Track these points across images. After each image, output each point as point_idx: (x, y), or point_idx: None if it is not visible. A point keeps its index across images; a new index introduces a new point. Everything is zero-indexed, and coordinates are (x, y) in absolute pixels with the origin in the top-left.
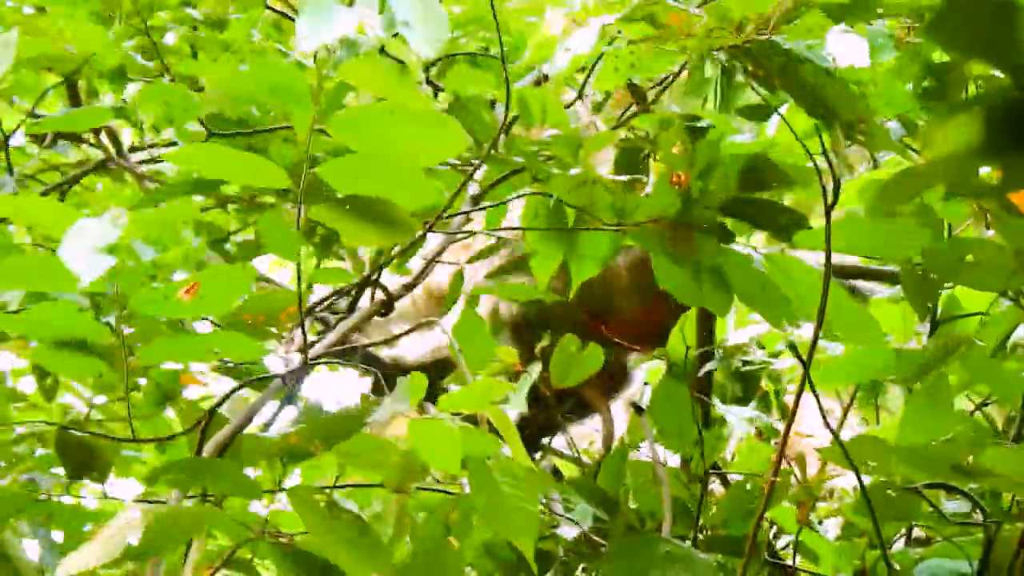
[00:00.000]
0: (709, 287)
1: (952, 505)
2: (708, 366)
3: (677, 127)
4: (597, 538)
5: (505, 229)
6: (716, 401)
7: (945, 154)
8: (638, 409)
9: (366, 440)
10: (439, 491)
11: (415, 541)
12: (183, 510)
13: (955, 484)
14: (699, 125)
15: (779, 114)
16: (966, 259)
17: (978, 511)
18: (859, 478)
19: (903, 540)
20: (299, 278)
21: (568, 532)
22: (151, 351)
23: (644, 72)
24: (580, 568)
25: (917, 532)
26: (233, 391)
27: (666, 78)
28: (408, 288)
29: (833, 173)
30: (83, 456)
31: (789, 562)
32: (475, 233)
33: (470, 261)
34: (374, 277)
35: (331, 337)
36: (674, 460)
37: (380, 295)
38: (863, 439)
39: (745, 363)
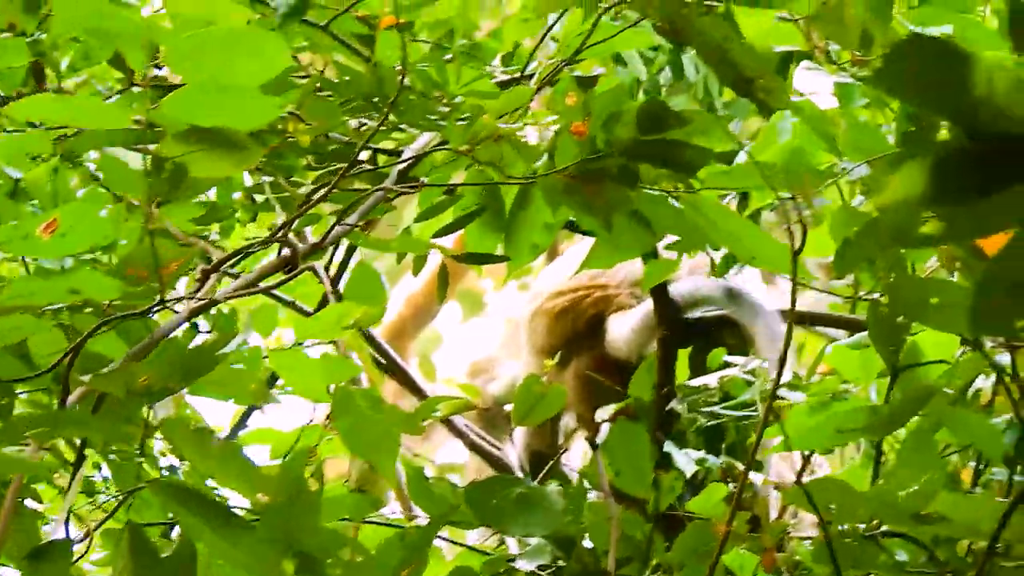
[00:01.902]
0: (629, 227)
1: (903, 554)
2: (670, 406)
3: (567, 79)
4: None
5: (432, 185)
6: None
7: (892, 203)
8: (593, 445)
9: (223, 369)
10: None
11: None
12: None
13: (910, 532)
14: (587, 76)
15: (746, 151)
16: (931, 301)
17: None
18: (822, 522)
19: None
20: (147, 217)
21: (525, 565)
22: (9, 292)
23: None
24: None
25: None
26: (92, 332)
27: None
28: (315, 247)
29: (801, 218)
30: None
31: None
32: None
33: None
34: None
35: (231, 287)
36: None
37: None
38: (827, 482)
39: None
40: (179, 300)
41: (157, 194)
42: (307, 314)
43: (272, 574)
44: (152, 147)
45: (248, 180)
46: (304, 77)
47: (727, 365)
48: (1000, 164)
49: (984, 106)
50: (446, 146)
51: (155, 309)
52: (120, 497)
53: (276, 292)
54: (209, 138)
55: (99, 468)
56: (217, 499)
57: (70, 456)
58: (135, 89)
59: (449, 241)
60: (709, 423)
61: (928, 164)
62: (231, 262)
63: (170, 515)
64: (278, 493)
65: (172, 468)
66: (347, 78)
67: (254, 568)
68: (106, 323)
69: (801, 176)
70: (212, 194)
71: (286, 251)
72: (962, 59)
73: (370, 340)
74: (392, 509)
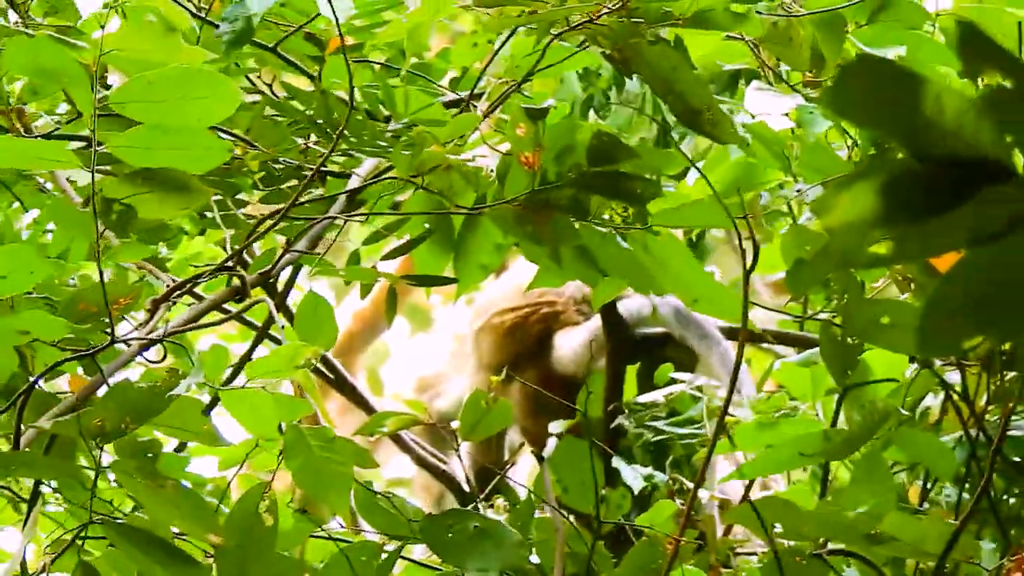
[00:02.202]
0: (575, 264)
1: (850, 573)
2: (617, 422)
3: (517, 110)
4: None
5: (377, 213)
6: (618, 459)
7: (840, 224)
8: (540, 459)
9: (181, 410)
10: None
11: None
12: None
13: (859, 551)
14: (538, 107)
15: (696, 168)
16: (882, 321)
17: None
18: (770, 539)
19: None
20: (98, 258)
21: None
22: None
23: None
24: None
25: None
26: (43, 374)
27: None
28: (265, 276)
29: (752, 237)
30: None
31: None
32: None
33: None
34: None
35: (182, 318)
36: None
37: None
38: (774, 500)
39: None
40: (128, 338)
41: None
42: (259, 330)
43: None
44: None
45: None
46: (253, 98)
47: (674, 381)
48: (948, 185)
49: (933, 128)
50: (393, 173)
51: (104, 348)
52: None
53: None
54: (158, 180)
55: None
56: (168, 539)
57: (25, 493)
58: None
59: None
60: (656, 439)
61: (877, 185)
62: (179, 292)
63: None
64: (233, 530)
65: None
66: (294, 100)
67: None
68: (58, 365)
69: (754, 199)
70: None
71: (236, 281)
72: (911, 81)
73: (328, 365)
74: (337, 522)
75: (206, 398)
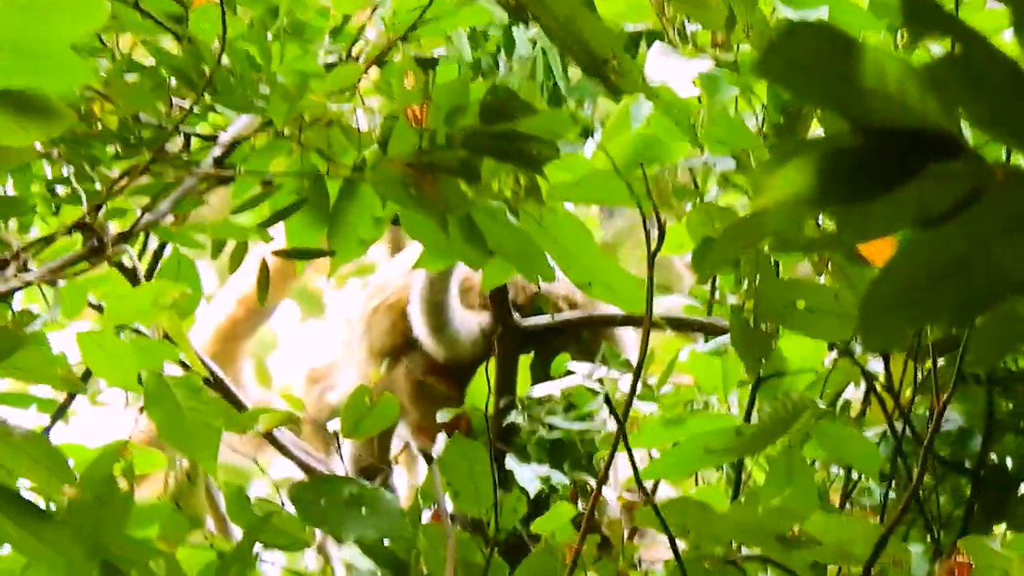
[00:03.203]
0: (460, 240)
1: None
2: (509, 418)
3: (406, 58)
4: None
5: (250, 174)
6: (511, 458)
7: (774, 204)
8: (428, 459)
9: (31, 354)
10: None
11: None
12: None
13: (775, 556)
14: (427, 57)
15: (596, 140)
16: (798, 305)
17: None
18: (673, 545)
19: None
20: None
21: None
22: None
23: None
24: None
25: None
26: None
27: None
28: (124, 236)
29: (657, 217)
30: None
31: None
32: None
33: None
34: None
35: (37, 272)
36: None
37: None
38: (684, 501)
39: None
40: None
41: None
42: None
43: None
44: None
45: (49, 172)
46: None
47: (570, 373)
48: (892, 161)
49: (874, 97)
50: (268, 127)
51: None
52: None
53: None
54: (14, 102)
55: None
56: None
57: None
58: None
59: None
60: (552, 436)
61: (812, 162)
62: (32, 251)
63: None
64: (86, 488)
65: None
66: (157, 58)
67: (60, 568)
68: None
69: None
70: (9, 188)
71: (93, 241)
72: (851, 47)
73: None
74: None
75: None
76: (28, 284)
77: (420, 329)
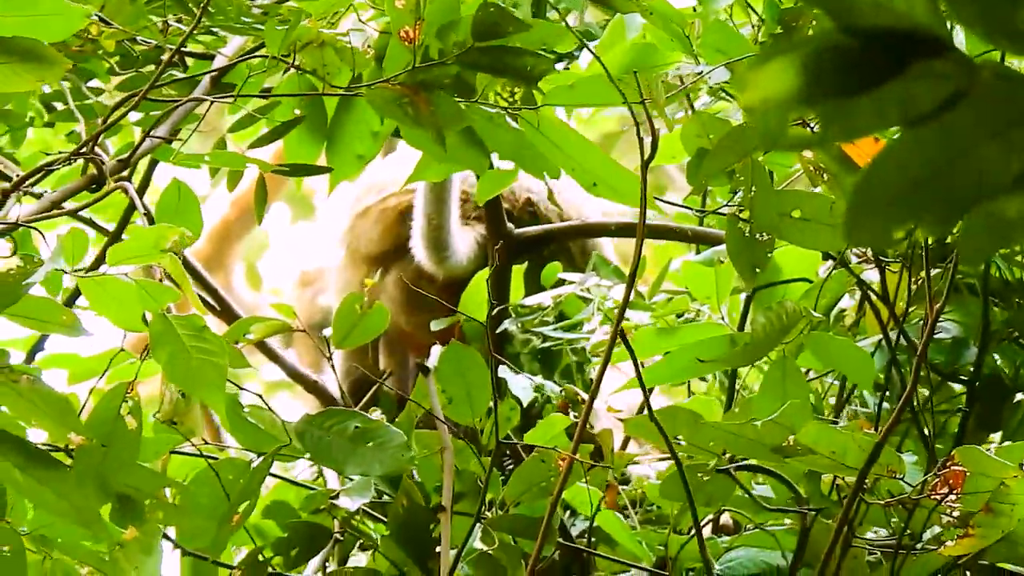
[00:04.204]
0: (462, 147)
1: (761, 489)
2: (503, 326)
3: None
4: (377, 514)
5: (249, 96)
6: (505, 369)
7: (760, 102)
8: (424, 370)
9: (32, 300)
10: None
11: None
12: None
13: (770, 466)
14: None
15: (591, 51)
16: (793, 214)
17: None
18: (672, 452)
19: (709, 527)
20: None
21: (349, 503)
22: None
23: None
24: (357, 545)
25: (725, 518)
26: None
27: None
28: (123, 163)
29: (651, 125)
30: None
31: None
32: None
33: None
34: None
35: (38, 205)
36: None
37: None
38: (675, 410)
39: (545, 339)
40: None
41: None
42: (114, 237)
43: (88, 518)
44: None
45: (45, 86)
46: None
47: (562, 283)
48: (877, 60)
49: None
50: (264, 52)
51: None
52: None
53: (82, 215)
54: (9, 49)
55: None
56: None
57: None
58: None
59: (271, 148)
60: (544, 345)
61: (800, 60)
62: (32, 180)
63: None
64: (93, 432)
65: None
66: None
67: (68, 513)
68: None
69: (653, 80)
70: None
71: (92, 169)
72: None
73: (186, 266)
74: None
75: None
76: (30, 223)
77: (420, 252)
